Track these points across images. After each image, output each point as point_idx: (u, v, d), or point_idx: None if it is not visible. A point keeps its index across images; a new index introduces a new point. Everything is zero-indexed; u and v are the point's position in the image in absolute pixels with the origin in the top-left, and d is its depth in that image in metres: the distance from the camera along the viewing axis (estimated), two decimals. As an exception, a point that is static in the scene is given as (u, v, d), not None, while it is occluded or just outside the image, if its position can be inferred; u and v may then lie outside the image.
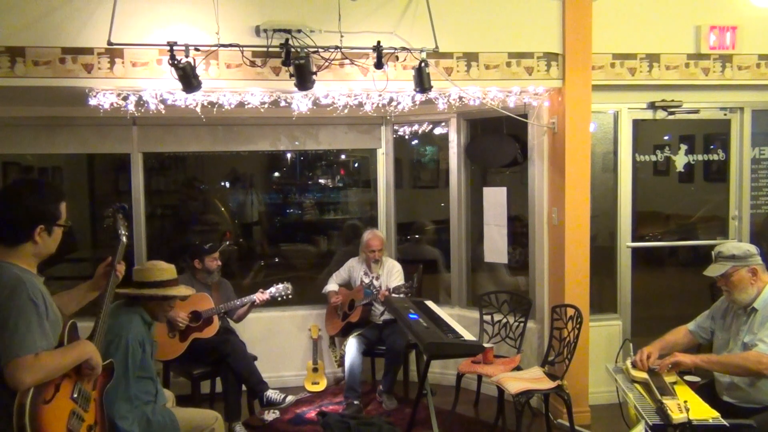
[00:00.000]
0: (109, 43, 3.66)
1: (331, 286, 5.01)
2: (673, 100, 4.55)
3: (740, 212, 4.78)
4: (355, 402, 4.56)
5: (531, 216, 4.72)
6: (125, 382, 2.74)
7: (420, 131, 5.37)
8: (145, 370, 2.95)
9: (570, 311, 4.13)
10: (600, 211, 4.67)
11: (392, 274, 4.86)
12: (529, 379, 3.97)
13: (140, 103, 4.03)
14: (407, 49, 3.94)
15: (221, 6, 3.79)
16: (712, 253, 3.18)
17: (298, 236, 6.40)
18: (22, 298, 2.12)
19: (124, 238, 2.78)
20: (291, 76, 3.71)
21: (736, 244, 3.16)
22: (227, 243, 4.91)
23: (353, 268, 5.02)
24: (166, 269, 3.14)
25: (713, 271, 3.11)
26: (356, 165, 6.50)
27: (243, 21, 3.86)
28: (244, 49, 3.80)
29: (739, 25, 4.42)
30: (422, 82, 3.80)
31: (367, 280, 4.89)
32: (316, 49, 3.83)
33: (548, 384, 3.92)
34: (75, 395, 2.27)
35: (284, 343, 5.19)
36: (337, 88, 4.09)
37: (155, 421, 2.92)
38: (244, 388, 4.35)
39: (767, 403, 2.95)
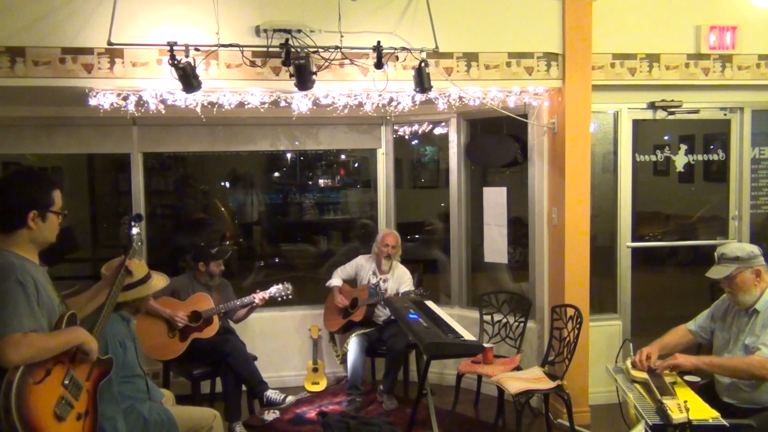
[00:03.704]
0: (109, 43, 3.66)
1: (336, 280, 4.95)
2: (673, 100, 4.55)
3: (740, 212, 4.78)
4: (358, 399, 4.57)
5: (531, 216, 4.72)
6: (108, 384, 2.69)
7: (420, 131, 5.37)
8: (129, 368, 2.91)
9: (570, 311, 4.13)
10: (600, 211, 4.67)
11: (402, 281, 4.84)
12: (529, 379, 3.97)
13: (140, 103, 4.03)
14: (407, 49, 3.94)
15: (221, 6, 3.79)
16: (715, 254, 3.16)
17: (298, 236, 6.40)
18: (10, 280, 2.19)
19: (136, 245, 2.89)
20: (291, 76, 3.71)
21: (740, 246, 3.14)
22: (227, 243, 4.91)
23: (362, 266, 4.99)
24: (141, 266, 3.05)
25: (717, 273, 3.09)
26: (356, 165, 6.50)
27: (243, 21, 3.86)
28: (244, 49, 3.80)
29: (739, 25, 4.42)
30: (422, 82, 3.80)
31: (374, 281, 4.88)
32: (316, 49, 3.83)
33: (548, 384, 3.93)
34: (66, 382, 2.29)
35: (284, 343, 5.19)
36: (337, 88, 4.09)
37: (152, 420, 2.90)
38: (244, 388, 4.35)
39: (767, 404, 2.95)
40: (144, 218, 3.05)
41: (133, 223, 2.96)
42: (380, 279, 4.87)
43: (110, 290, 2.66)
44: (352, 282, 5.02)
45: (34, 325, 2.20)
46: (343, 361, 4.81)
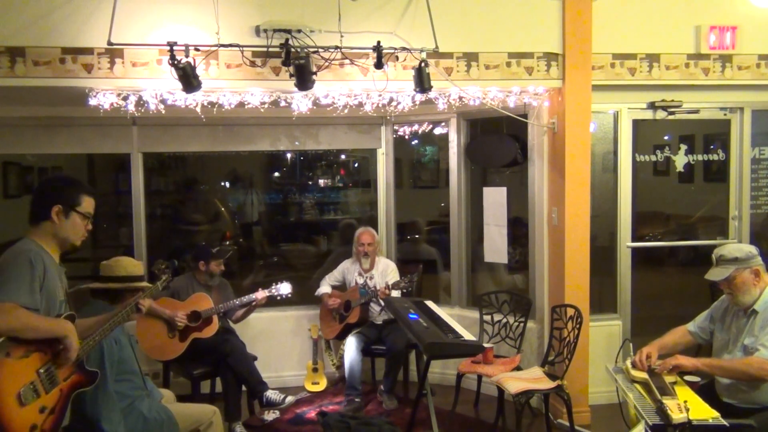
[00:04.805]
0: (109, 43, 3.66)
1: (324, 288, 4.99)
2: (673, 100, 4.55)
3: (740, 212, 4.78)
4: (356, 399, 4.57)
5: (531, 216, 4.72)
6: (105, 383, 2.69)
7: (420, 131, 5.37)
8: (126, 364, 2.90)
9: (570, 311, 4.13)
10: (600, 211, 4.67)
11: (387, 273, 4.86)
12: (529, 379, 3.97)
13: (140, 103, 4.03)
14: (407, 49, 3.94)
15: (221, 6, 3.79)
16: (713, 256, 3.15)
17: (298, 236, 6.39)
18: (22, 258, 2.32)
19: (159, 286, 3.03)
20: (291, 76, 3.71)
21: (737, 246, 3.13)
22: (227, 243, 4.92)
23: (347, 270, 5.01)
24: (135, 264, 3.14)
25: (716, 275, 3.08)
26: (356, 165, 6.50)
27: (243, 21, 3.86)
28: (244, 49, 3.80)
29: (739, 25, 4.42)
30: (422, 82, 3.80)
31: (361, 281, 4.89)
32: (316, 49, 3.83)
33: (548, 384, 3.93)
34: (41, 370, 2.31)
35: (284, 343, 5.19)
36: (337, 88, 4.09)
37: (151, 419, 2.90)
38: (244, 388, 4.35)
39: (767, 404, 2.95)
40: (176, 265, 3.19)
41: (168, 270, 3.09)
42: (366, 277, 4.89)
43: (115, 314, 2.69)
44: (342, 287, 5.04)
45: (29, 303, 2.27)
46: (341, 365, 4.81)
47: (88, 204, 2.57)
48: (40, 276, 2.32)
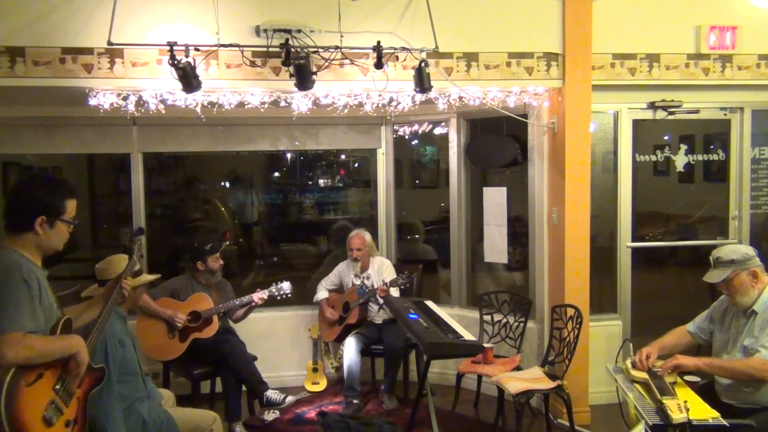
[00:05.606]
0: (109, 43, 3.66)
1: (322, 294, 5.00)
2: (673, 100, 4.55)
3: (740, 212, 4.78)
4: (355, 401, 4.57)
5: (531, 216, 4.72)
6: (109, 383, 2.69)
7: (420, 131, 5.37)
8: (128, 365, 2.90)
9: (570, 311, 4.13)
10: (600, 211, 4.67)
11: (383, 271, 4.87)
12: (529, 379, 3.97)
13: (140, 103, 4.03)
14: (407, 49, 3.94)
15: (221, 6, 3.79)
16: (710, 258, 3.15)
17: (298, 236, 6.40)
18: (15, 278, 2.18)
19: (136, 258, 2.87)
20: (291, 76, 3.71)
21: (734, 248, 3.13)
22: (227, 243, 4.91)
23: (343, 272, 5.02)
24: (125, 259, 3.07)
25: (714, 277, 3.09)
26: (356, 165, 6.50)
27: (243, 21, 3.86)
28: (244, 49, 3.80)
29: (739, 25, 4.42)
30: (422, 82, 3.80)
31: (358, 282, 4.90)
32: (316, 49, 3.83)
33: (548, 384, 3.93)
34: (57, 387, 2.26)
35: (284, 343, 5.19)
36: (337, 88, 4.09)
37: (151, 421, 2.90)
38: (244, 388, 4.35)
39: (767, 404, 2.95)
40: (145, 231, 2.97)
41: (135, 238, 2.92)
42: (363, 278, 4.89)
43: (103, 308, 2.62)
44: (339, 290, 5.04)
45: (35, 326, 2.18)
46: (339, 367, 4.80)
47: (72, 208, 2.41)
48: (37, 294, 2.23)
